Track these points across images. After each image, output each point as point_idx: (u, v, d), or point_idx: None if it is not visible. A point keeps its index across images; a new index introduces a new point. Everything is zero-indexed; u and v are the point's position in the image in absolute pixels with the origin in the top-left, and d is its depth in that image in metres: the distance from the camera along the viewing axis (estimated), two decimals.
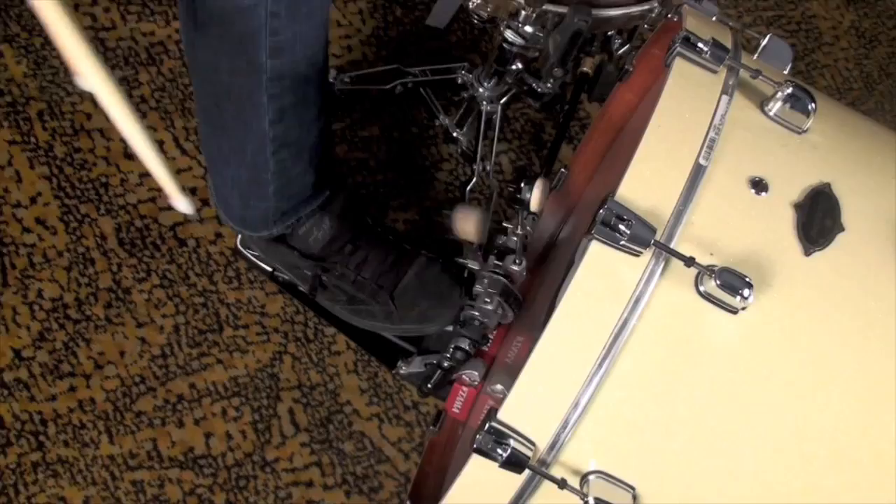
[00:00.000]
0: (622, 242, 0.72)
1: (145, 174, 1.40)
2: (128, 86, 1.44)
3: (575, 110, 1.39)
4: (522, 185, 1.10)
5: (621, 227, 0.72)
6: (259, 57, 0.98)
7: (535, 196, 1.08)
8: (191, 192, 1.41)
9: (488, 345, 1.16)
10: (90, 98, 1.08)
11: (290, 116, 1.06)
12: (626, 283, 0.73)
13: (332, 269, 1.24)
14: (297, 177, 1.15)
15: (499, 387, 1.06)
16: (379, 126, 1.50)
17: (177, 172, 1.38)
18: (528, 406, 0.74)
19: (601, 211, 0.72)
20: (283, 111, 1.05)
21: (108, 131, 1.42)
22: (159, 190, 1.37)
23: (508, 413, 0.74)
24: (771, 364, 0.74)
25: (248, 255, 1.34)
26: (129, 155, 1.41)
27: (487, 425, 0.74)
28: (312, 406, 1.32)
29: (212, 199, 1.30)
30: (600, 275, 0.74)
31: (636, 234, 0.72)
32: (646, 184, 0.75)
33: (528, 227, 1.10)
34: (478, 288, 1.08)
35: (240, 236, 1.35)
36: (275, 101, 1.03)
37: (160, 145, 1.42)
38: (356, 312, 1.28)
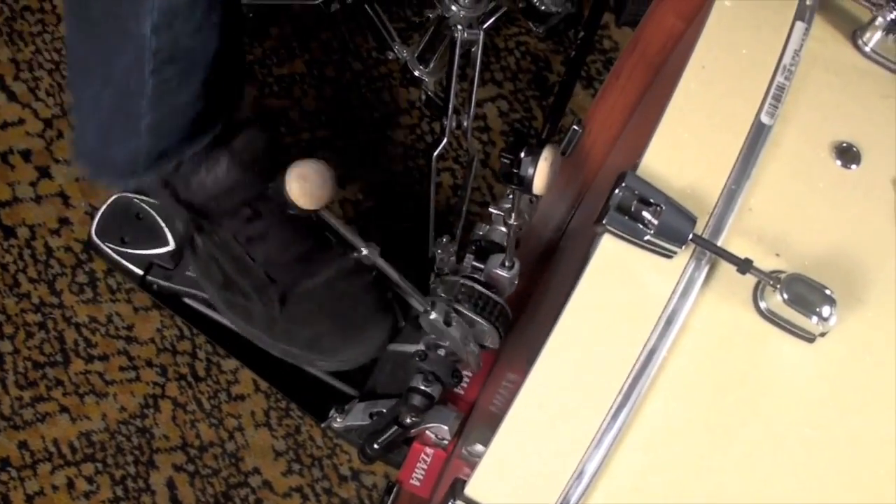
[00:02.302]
0: (647, 238, 0.74)
1: None
2: None
3: (594, 39, 1.40)
4: (522, 155, 1.11)
5: (646, 214, 0.73)
6: None
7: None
8: (23, 155, 1.41)
9: (463, 385, 1.18)
10: None
11: (182, 21, 1.07)
12: (654, 298, 0.74)
13: (213, 230, 1.24)
14: (183, 107, 1.15)
15: (479, 448, 1.06)
16: (304, 60, 1.51)
17: (2, 127, 1.39)
18: (511, 477, 0.76)
19: (616, 191, 0.73)
20: (173, 13, 1.05)
21: None
22: None
23: (482, 487, 0.76)
24: (863, 418, 0.75)
25: (108, 250, 1.35)
26: None
27: None
28: (203, 476, 1.34)
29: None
30: (616, 285, 0.75)
31: (668, 224, 0.73)
32: (682, 151, 0.76)
33: (523, 215, 1.11)
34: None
35: (95, 223, 1.35)
36: None
37: None
38: (229, 304, 1.29)
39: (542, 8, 1.32)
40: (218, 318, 1.35)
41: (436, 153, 1.38)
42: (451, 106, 1.35)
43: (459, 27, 1.35)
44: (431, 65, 1.41)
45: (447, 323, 1.07)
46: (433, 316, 1.06)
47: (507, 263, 1.08)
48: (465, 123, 1.37)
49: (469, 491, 0.75)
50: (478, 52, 1.35)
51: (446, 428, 1.13)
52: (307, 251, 1.27)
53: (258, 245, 1.25)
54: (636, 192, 0.74)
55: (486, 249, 1.11)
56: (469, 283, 1.07)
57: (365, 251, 1.07)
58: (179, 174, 1.21)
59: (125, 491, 1.32)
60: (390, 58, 1.45)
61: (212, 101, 1.16)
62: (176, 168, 1.20)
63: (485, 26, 1.36)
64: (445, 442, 1.14)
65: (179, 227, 1.27)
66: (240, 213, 1.24)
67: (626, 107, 1.23)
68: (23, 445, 1.31)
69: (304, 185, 0.98)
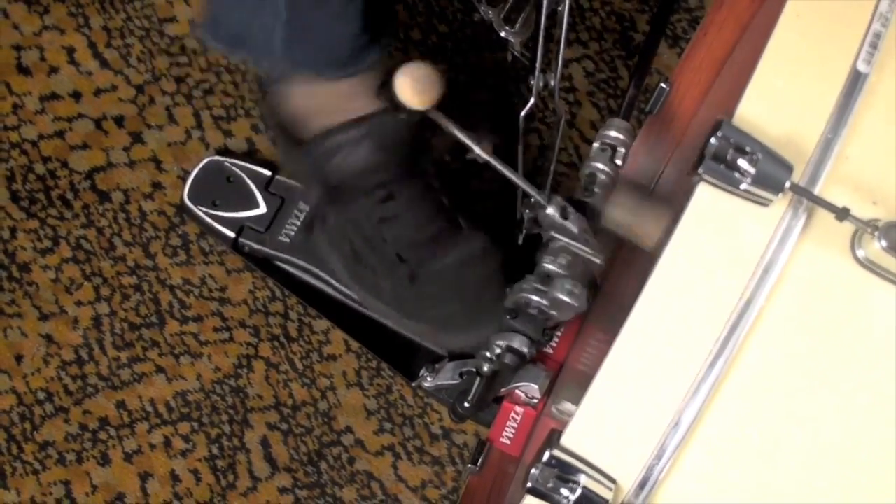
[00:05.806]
0: (743, 186, 0.74)
1: (49, 96, 1.43)
2: None
3: None
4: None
5: (742, 163, 0.73)
6: None
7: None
8: (116, 121, 1.44)
9: (553, 344, 1.18)
10: None
11: None
12: (751, 246, 0.74)
13: (346, 207, 1.25)
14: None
15: (568, 405, 1.07)
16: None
17: (95, 93, 1.41)
18: (607, 427, 0.76)
19: (712, 140, 0.73)
20: None
21: None
22: (70, 119, 1.42)
23: (578, 437, 0.76)
24: None
25: (200, 213, 1.37)
26: (25, 68, 1.44)
27: (548, 454, 0.75)
28: (297, 434, 1.36)
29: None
30: (712, 233, 0.75)
31: (764, 173, 0.73)
32: (778, 100, 0.76)
33: (612, 167, 1.11)
34: (548, 266, 1.09)
35: (187, 187, 1.37)
36: None
37: (69, 53, 1.46)
38: (357, 277, 1.30)
39: None
40: (308, 281, 1.36)
41: (523, 113, 1.37)
42: (538, 66, 1.35)
43: None
44: (517, 26, 1.41)
45: (564, 217, 1.07)
46: (550, 210, 1.07)
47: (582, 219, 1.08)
48: (552, 84, 1.37)
49: (565, 441, 0.76)
50: (564, 11, 1.35)
51: (536, 387, 1.13)
52: (438, 233, 1.28)
53: (390, 226, 1.26)
54: (732, 141, 0.73)
55: (573, 205, 1.11)
56: (564, 241, 1.08)
57: (478, 150, 1.07)
58: (323, 151, 1.23)
59: (220, 449, 1.34)
60: (476, 19, 1.45)
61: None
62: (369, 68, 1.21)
63: None
64: (535, 400, 1.15)
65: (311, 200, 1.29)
66: (375, 193, 1.25)
67: (714, 63, 1.23)
68: (121, 405, 1.34)
69: (414, 84, 0.99)
